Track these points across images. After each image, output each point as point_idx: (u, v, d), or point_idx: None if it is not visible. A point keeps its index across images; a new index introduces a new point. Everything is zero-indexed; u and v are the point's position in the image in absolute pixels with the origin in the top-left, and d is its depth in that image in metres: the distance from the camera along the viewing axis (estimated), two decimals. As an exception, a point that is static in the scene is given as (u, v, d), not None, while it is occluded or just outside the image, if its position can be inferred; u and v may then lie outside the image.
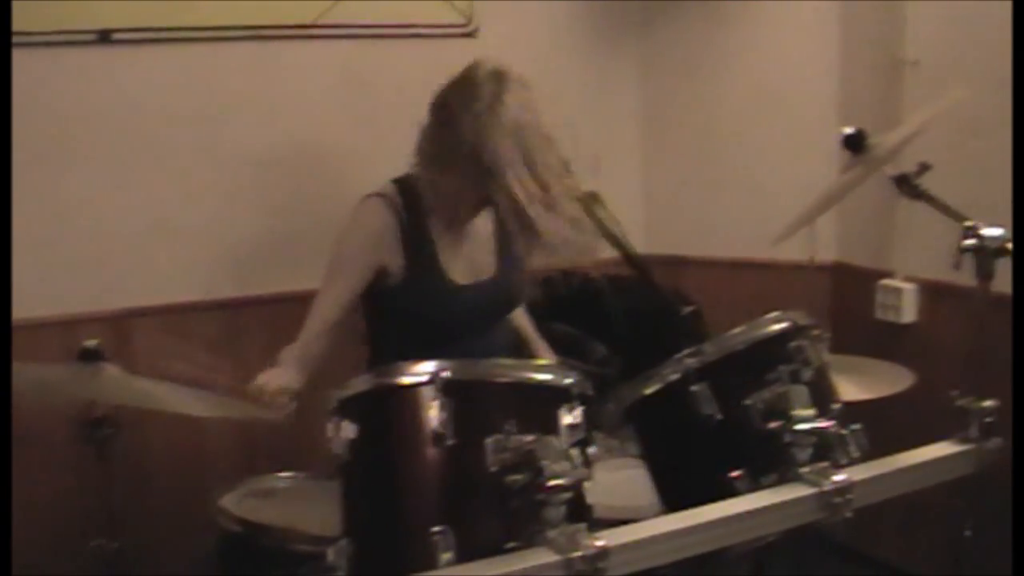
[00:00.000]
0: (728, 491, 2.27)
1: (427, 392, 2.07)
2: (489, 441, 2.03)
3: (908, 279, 4.32)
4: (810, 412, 2.24)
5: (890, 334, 4.35)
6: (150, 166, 3.77)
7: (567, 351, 3.96)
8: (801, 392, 2.29)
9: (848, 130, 2.95)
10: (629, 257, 3.18)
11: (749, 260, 4.65)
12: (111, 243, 3.73)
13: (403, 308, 3.09)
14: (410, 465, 2.09)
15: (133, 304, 3.77)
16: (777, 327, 2.43)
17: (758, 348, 2.40)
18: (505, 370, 2.16)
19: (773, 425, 2.28)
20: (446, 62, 3.83)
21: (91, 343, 2.50)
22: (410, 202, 3.09)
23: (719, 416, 2.33)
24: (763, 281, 4.60)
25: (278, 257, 3.98)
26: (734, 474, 2.30)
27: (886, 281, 4.38)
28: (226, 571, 2.78)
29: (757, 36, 4.61)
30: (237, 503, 2.85)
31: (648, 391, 2.42)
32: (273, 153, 3.93)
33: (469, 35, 4.21)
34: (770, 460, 2.28)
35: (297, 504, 2.91)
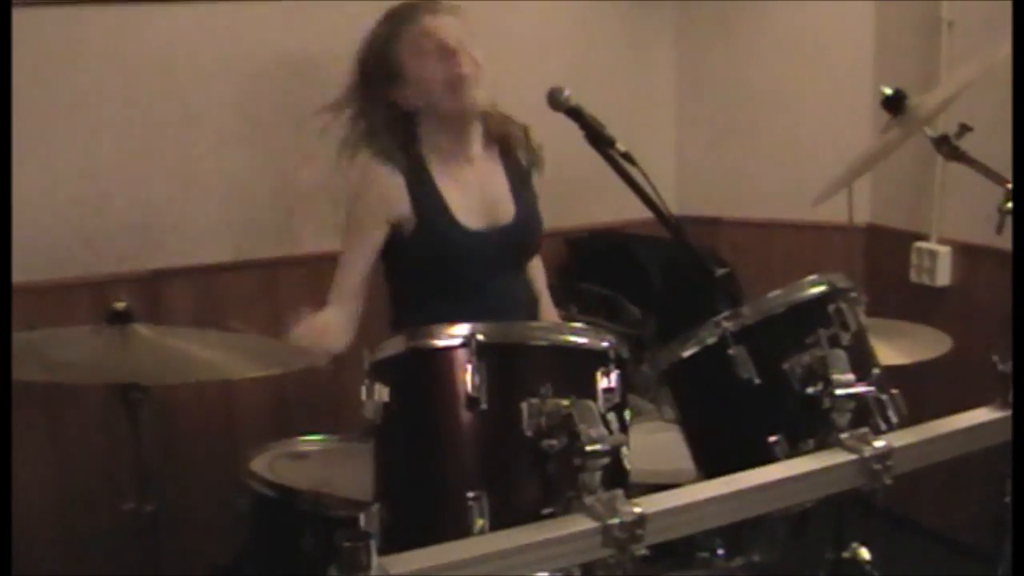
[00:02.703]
0: (765, 456, 2.22)
1: (461, 355, 2.04)
2: (524, 405, 1.99)
3: (943, 241, 4.30)
4: (849, 377, 2.20)
5: (924, 297, 4.33)
6: (182, 125, 3.75)
7: (599, 312, 3.94)
8: (840, 357, 2.24)
9: (887, 90, 2.91)
10: (662, 217, 3.16)
11: (783, 221, 4.64)
12: (143, 203, 3.71)
13: (418, 258, 3.12)
14: (444, 429, 2.06)
15: (165, 265, 3.76)
16: (816, 290, 2.38)
17: (797, 311, 2.35)
18: (541, 333, 2.12)
19: (812, 390, 2.24)
20: (480, 21, 3.81)
21: (120, 304, 2.47)
22: (410, 151, 3.13)
23: (757, 380, 2.29)
24: (796, 242, 4.60)
25: (313, 216, 3.96)
26: (771, 439, 2.26)
27: (920, 243, 4.36)
28: (259, 535, 2.77)
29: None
30: (269, 466, 2.83)
31: (685, 354, 2.38)
32: (307, 111, 3.84)
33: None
34: (808, 425, 2.24)
35: (329, 467, 2.88)
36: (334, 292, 3.10)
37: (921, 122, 2.86)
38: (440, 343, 2.07)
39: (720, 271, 3.54)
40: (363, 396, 2.14)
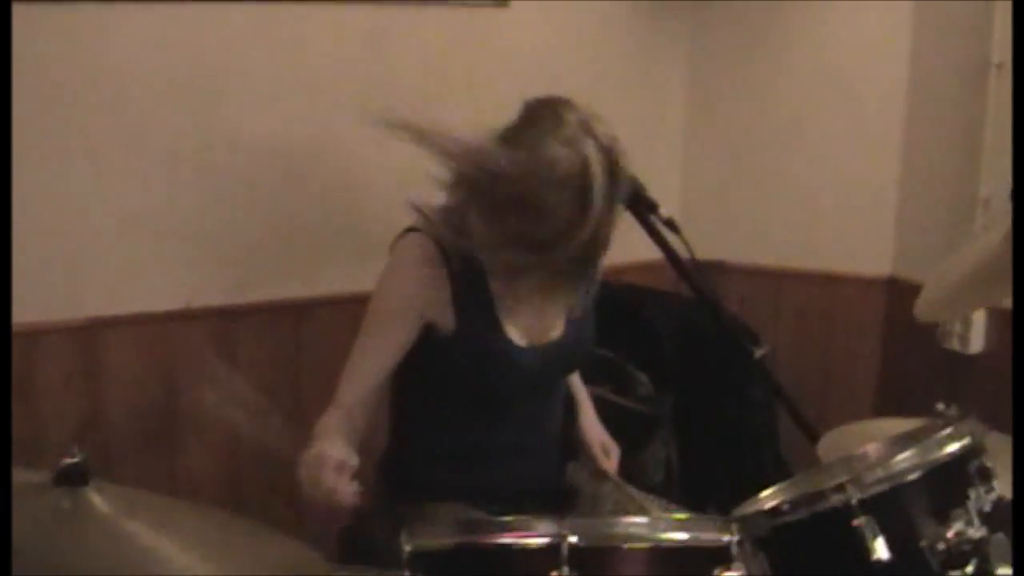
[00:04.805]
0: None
1: (543, 560, 1.56)
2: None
3: (977, 302, 3.91)
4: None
5: (954, 366, 3.93)
6: (128, 147, 3.23)
7: (605, 382, 3.49)
8: (1003, 544, 1.83)
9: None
10: (699, 290, 2.94)
11: (794, 270, 4.30)
12: (79, 239, 3.20)
13: (449, 368, 2.62)
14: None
15: (106, 312, 3.25)
16: (956, 446, 1.95)
17: (934, 476, 1.93)
18: (642, 531, 1.66)
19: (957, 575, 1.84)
20: (476, 34, 3.55)
21: (71, 460, 1.73)
22: (461, 239, 2.58)
23: (888, 558, 1.86)
24: (808, 293, 4.29)
25: (278, 258, 3.48)
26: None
27: (951, 303, 3.96)
28: None
29: (822, 16, 4.20)
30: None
31: (792, 519, 1.92)
32: (276, 135, 3.42)
33: (501, 4, 3.71)
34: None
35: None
36: (339, 395, 2.53)
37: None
38: (519, 542, 1.58)
39: (759, 352, 3.18)
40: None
